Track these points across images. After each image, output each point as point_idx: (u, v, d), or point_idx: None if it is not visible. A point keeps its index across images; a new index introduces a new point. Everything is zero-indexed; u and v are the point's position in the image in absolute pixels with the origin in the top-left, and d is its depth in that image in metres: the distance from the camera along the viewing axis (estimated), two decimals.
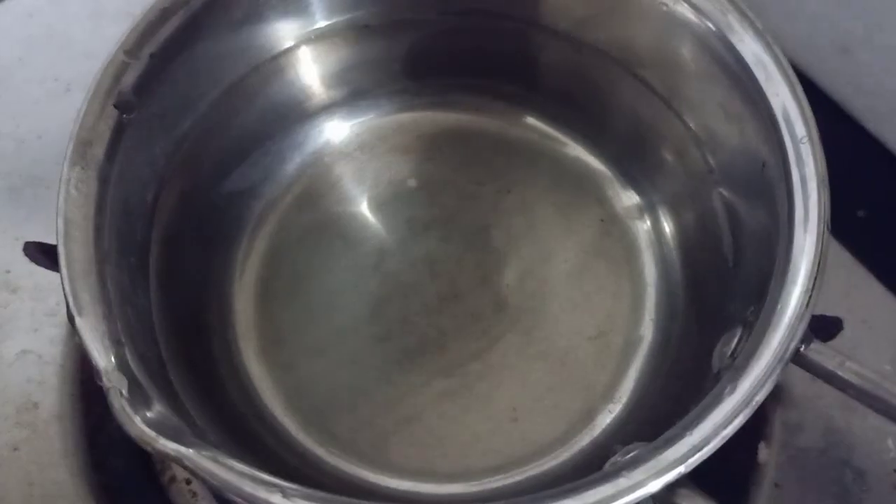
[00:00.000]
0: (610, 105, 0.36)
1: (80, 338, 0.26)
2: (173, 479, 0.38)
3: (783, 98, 0.29)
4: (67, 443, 0.37)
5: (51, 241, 0.38)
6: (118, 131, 0.29)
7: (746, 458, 0.37)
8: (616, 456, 0.27)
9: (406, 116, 0.40)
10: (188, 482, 0.38)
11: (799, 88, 0.29)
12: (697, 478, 0.26)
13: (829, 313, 0.37)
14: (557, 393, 0.36)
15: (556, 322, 0.37)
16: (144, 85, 0.30)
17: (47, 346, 0.38)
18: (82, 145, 0.29)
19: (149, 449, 0.25)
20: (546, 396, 0.36)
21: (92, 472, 0.37)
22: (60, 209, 0.28)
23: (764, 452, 0.37)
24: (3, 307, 0.39)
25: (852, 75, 0.42)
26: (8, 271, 0.40)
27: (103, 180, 0.29)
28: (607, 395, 0.35)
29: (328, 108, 0.39)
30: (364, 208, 0.39)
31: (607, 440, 0.34)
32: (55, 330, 0.39)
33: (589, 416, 0.35)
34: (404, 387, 0.36)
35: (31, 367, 0.38)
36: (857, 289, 0.39)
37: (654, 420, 0.33)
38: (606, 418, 0.35)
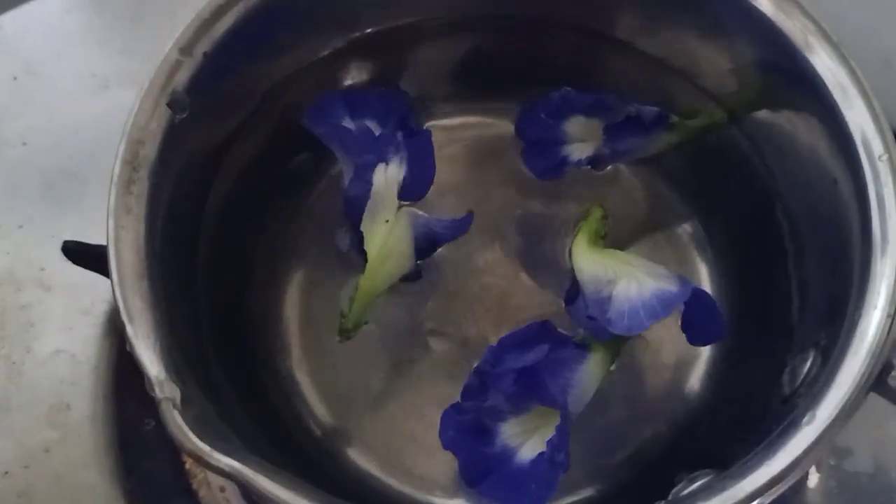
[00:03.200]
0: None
1: (130, 346, 0.25)
2: (207, 485, 0.37)
3: (859, 115, 0.28)
4: (99, 445, 0.36)
5: (86, 238, 0.38)
6: (170, 131, 0.29)
7: (795, 483, 0.36)
8: (682, 484, 0.26)
9: (454, 122, 0.39)
10: (222, 489, 0.37)
11: (877, 105, 0.28)
12: None
13: None
14: (607, 412, 0.35)
15: None
16: (197, 84, 0.29)
17: (81, 345, 0.38)
18: (134, 144, 0.28)
19: (201, 463, 0.24)
20: (595, 414, 0.35)
21: (123, 475, 0.36)
22: (111, 210, 0.27)
23: (813, 477, 0.36)
24: (36, 305, 0.39)
25: (895, 89, 0.41)
26: (42, 269, 0.39)
27: (155, 181, 0.28)
28: (659, 415, 0.35)
29: None
30: None
31: (661, 462, 0.33)
32: (90, 330, 0.38)
33: (640, 437, 0.34)
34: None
35: (64, 367, 0.37)
36: None
37: (710, 442, 0.32)
38: (658, 440, 0.34)
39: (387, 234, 0.32)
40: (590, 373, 0.30)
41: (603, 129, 0.35)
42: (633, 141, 0.35)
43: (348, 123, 0.34)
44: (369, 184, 0.32)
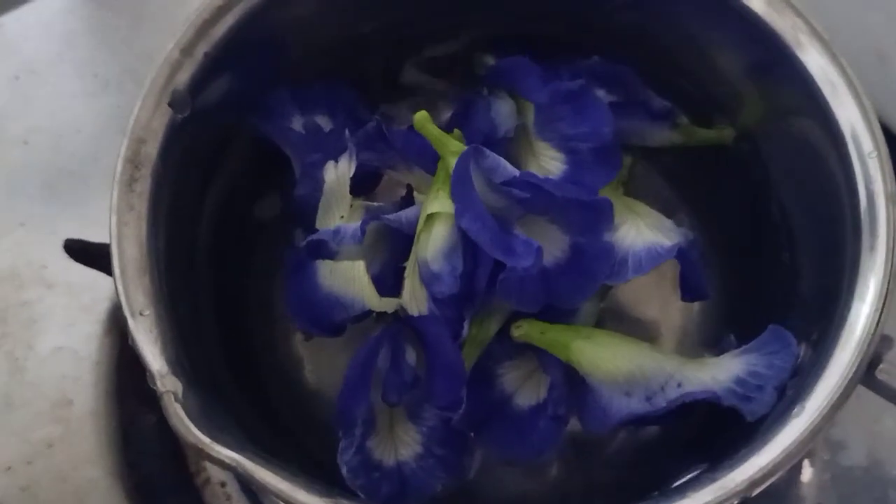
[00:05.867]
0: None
1: (133, 340, 0.26)
2: (208, 480, 0.37)
3: (850, 112, 0.28)
4: (102, 440, 0.37)
5: (87, 236, 0.39)
6: (172, 129, 0.29)
7: (789, 476, 0.37)
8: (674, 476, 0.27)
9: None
10: (223, 485, 0.37)
11: (867, 103, 0.28)
12: None
13: None
14: None
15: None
16: (198, 83, 0.30)
17: (83, 342, 0.38)
18: (137, 143, 0.28)
19: (203, 456, 0.24)
20: None
21: (126, 471, 0.37)
22: (114, 207, 0.27)
23: (807, 471, 0.37)
24: (38, 302, 0.39)
25: (889, 83, 0.42)
26: (44, 266, 0.40)
27: (157, 179, 0.28)
28: None
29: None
30: None
31: (653, 454, 0.33)
32: (91, 327, 0.38)
33: (633, 429, 0.35)
34: None
35: (66, 364, 0.38)
36: None
37: (702, 435, 0.33)
38: (652, 432, 0.34)
39: None
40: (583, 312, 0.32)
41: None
42: (631, 125, 0.34)
43: (298, 119, 0.33)
44: (318, 182, 0.31)
